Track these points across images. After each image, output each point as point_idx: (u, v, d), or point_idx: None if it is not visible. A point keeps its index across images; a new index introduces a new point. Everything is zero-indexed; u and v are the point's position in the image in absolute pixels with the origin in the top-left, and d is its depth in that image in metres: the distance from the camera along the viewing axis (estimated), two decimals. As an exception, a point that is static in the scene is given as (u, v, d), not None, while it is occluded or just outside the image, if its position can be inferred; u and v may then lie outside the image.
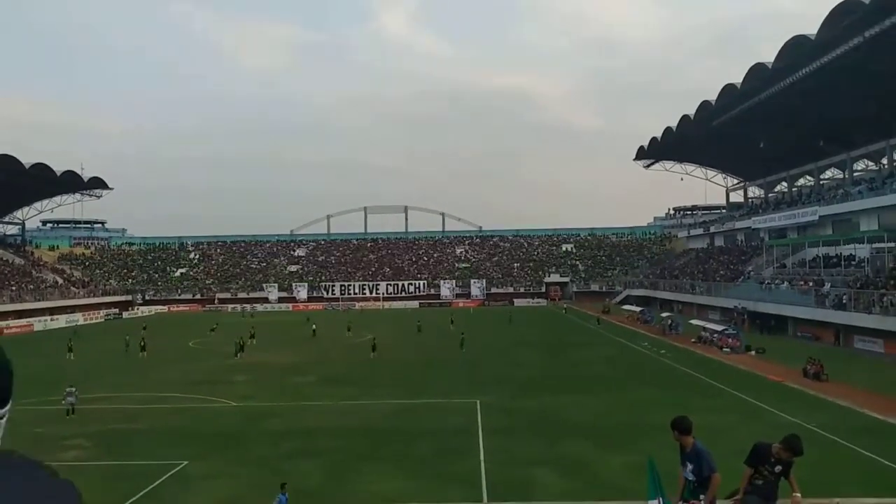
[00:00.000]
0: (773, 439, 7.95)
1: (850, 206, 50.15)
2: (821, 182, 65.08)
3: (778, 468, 7.58)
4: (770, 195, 75.78)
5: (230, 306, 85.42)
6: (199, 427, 21.22)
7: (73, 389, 23.48)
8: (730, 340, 38.20)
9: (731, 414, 21.27)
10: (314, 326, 51.26)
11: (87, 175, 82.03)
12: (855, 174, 59.23)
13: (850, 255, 45.18)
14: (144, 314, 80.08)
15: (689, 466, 7.76)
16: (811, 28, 41.60)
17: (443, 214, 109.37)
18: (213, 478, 15.73)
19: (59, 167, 74.94)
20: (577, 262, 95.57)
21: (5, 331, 57.32)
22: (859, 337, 36.78)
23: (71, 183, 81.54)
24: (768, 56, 46.96)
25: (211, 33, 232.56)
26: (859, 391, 24.46)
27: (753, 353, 35.98)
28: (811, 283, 44.16)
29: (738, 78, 52.25)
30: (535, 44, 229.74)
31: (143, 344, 40.42)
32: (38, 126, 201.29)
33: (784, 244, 56.46)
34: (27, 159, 68.92)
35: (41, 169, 72.04)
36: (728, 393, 25.08)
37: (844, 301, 37.92)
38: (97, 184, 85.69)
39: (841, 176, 62.89)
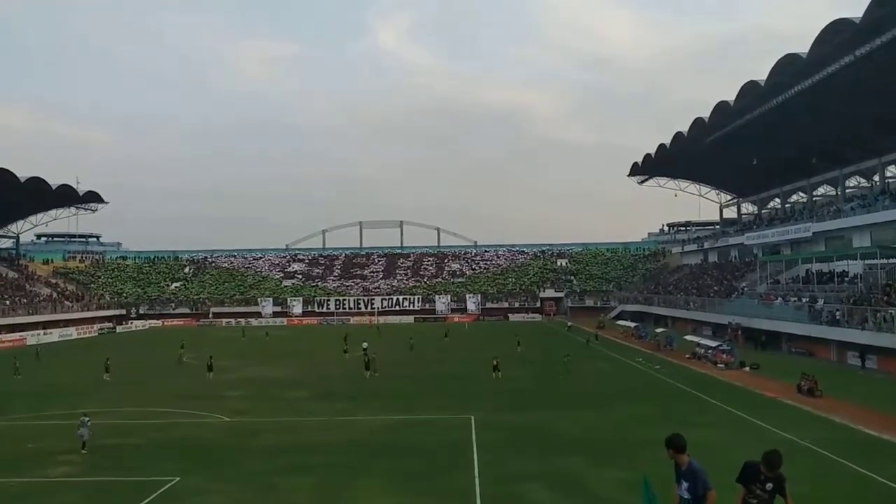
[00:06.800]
0: (765, 456, 7.93)
1: (842, 223, 50.58)
2: (814, 198, 65.52)
3: (769, 486, 7.58)
4: (763, 211, 76.22)
5: (224, 321, 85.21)
6: (195, 442, 21.10)
7: (87, 419, 20.03)
8: (724, 356, 38.20)
9: (726, 430, 21.24)
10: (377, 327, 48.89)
11: (82, 189, 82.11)
12: (847, 191, 59.67)
13: (843, 271, 45.37)
14: (139, 328, 79.86)
15: (685, 485, 7.76)
16: (803, 47, 42.09)
17: (438, 229, 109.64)
18: (204, 494, 15.60)
19: (54, 181, 75.00)
20: (572, 278, 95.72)
21: (-3, 345, 56.99)
22: (853, 353, 36.87)
23: (66, 196, 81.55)
24: (761, 74, 47.42)
25: (201, 48, 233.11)
26: (853, 407, 24.48)
27: (748, 368, 35.99)
28: (805, 299, 44.32)
29: (731, 95, 52.69)
30: (530, 59, 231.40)
31: (210, 364, 36.08)
32: (34, 137, 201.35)
33: (777, 260, 56.69)
34: (23, 172, 69.08)
35: (37, 182, 72.02)
36: (722, 409, 25.05)
37: (838, 317, 38.08)
38: (92, 198, 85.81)
39: (833, 192, 63.36)
